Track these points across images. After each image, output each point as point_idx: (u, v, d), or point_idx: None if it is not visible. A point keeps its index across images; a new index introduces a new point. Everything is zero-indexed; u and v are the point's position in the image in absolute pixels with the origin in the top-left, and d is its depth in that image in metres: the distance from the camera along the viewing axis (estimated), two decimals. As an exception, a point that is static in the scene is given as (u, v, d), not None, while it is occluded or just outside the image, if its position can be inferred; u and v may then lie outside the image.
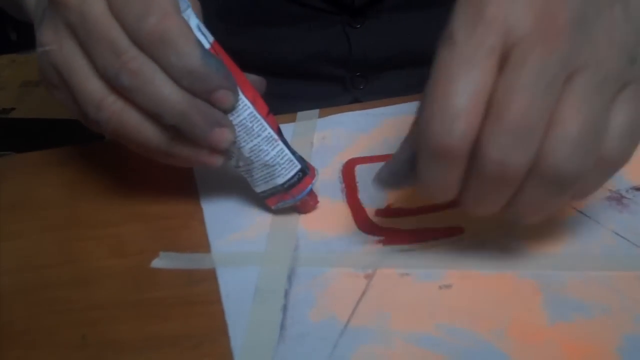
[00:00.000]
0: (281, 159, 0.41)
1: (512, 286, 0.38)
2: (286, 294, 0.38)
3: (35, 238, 0.44)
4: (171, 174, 0.47)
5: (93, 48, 0.37)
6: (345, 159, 0.48)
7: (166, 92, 0.37)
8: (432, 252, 0.40)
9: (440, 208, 0.43)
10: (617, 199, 0.42)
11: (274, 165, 0.41)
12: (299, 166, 0.42)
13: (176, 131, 0.38)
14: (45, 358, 0.37)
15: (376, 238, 0.41)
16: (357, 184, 0.45)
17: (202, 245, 0.42)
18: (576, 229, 0.41)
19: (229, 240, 0.42)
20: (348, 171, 0.47)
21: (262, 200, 0.43)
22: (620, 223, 0.41)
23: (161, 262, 0.41)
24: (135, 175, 0.48)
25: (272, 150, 0.41)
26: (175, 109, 0.37)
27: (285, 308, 0.37)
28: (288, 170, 0.41)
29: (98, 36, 0.36)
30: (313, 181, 0.42)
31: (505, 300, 0.37)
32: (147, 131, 0.38)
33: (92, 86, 0.37)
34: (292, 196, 0.42)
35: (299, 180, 0.42)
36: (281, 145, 0.41)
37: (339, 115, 0.52)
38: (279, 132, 0.41)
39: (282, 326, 0.36)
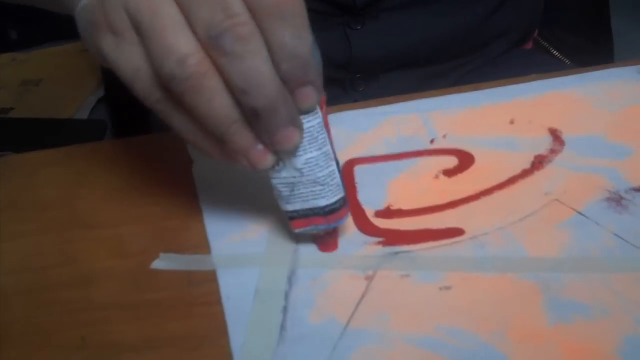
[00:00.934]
0: (331, 179, 0.38)
1: (512, 288, 0.38)
2: (286, 296, 0.38)
3: (35, 238, 0.44)
4: (171, 174, 0.47)
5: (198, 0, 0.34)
6: (344, 159, 0.47)
7: (264, 69, 0.34)
8: (432, 253, 0.40)
9: (441, 209, 0.43)
10: (617, 200, 0.42)
11: (323, 185, 0.38)
12: (343, 193, 0.39)
13: (244, 115, 0.36)
14: (45, 359, 0.37)
15: (376, 239, 0.41)
16: (357, 185, 0.45)
17: (202, 246, 0.42)
18: (576, 231, 0.41)
19: (229, 242, 0.42)
20: (347, 171, 0.46)
21: (279, 215, 0.41)
22: (620, 224, 0.41)
23: (161, 263, 0.41)
24: (135, 176, 0.48)
25: (326, 168, 0.38)
26: (267, 90, 0.34)
27: (285, 309, 0.37)
28: (334, 193, 0.38)
29: None
30: (348, 213, 0.40)
31: (505, 302, 0.37)
32: (219, 104, 0.35)
33: (180, 38, 0.34)
34: (328, 222, 0.39)
35: (340, 207, 0.39)
36: (334, 165, 0.38)
37: (339, 114, 0.52)
38: (334, 152, 0.39)
39: (282, 327, 0.36)
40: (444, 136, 0.49)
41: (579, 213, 0.42)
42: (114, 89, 0.95)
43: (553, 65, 0.80)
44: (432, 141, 0.48)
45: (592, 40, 0.84)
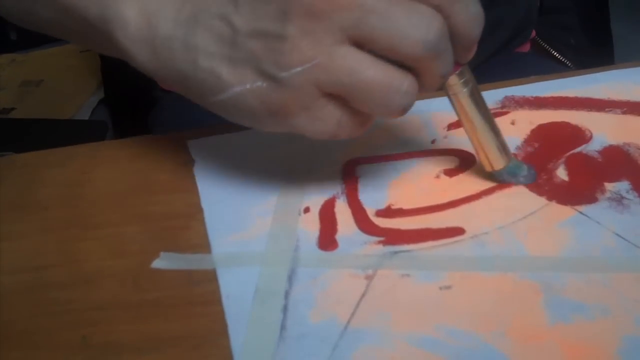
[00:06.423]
0: None
1: (513, 287, 0.38)
2: (286, 295, 0.38)
3: (35, 238, 0.44)
4: (171, 174, 0.47)
5: (397, 31, 0.35)
6: (346, 159, 0.48)
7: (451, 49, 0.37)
8: (433, 252, 0.40)
9: (441, 208, 0.43)
10: (618, 200, 0.42)
11: None
12: None
13: None
14: (45, 358, 0.37)
15: (376, 239, 0.41)
16: (358, 184, 0.45)
17: (203, 245, 0.42)
18: (576, 230, 0.41)
19: (230, 241, 0.42)
20: (349, 171, 0.47)
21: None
22: (621, 224, 0.41)
23: (162, 262, 0.41)
24: (135, 176, 0.48)
25: None
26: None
27: (285, 308, 0.37)
28: None
29: (402, 15, 0.35)
30: None
31: (505, 302, 0.37)
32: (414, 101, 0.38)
33: (388, 75, 0.36)
34: None
35: None
36: None
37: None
38: None
39: (283, 327, 0.36)
40: (445, 137, 0.49)
41: (580, 213, 0.42)
42: (115, 90, 0.96)
43: (552, 67, 0.80)
44: (433, 142, 0.48)
45: (592, 42, 0.85)
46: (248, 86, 0.37)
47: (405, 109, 0.37)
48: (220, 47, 0.37)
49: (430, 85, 0.38)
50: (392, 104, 0.37)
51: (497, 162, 0.43)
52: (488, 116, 0.42)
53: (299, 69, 0.36)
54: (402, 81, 0.36)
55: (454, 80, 0.40)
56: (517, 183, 0.44)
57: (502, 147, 0.43)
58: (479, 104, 0.41)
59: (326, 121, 0.38)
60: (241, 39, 0.37)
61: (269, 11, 0.36)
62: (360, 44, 0.36)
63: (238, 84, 0.37)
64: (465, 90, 0.41)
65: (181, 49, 0.38)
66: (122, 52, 0.41)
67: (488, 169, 0.44)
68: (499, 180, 0.44)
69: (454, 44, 0.37)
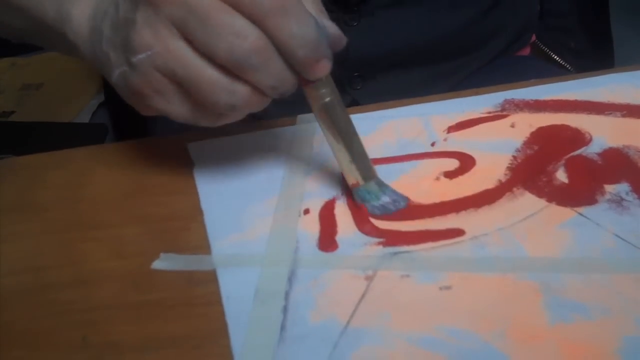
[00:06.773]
0: None
1: (513, 288, 0.38)
2: (286, 295, 0.38)
3: (35, 240, 0.44)
4: (171, 176, 0.47)
5: (211, 36, 0.36)
6: (345, 162, 0.48)
7: (284, 64, 0.38)
8: (433, 253, 0.40)
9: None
10: (617, 201, 0.42)
11: None
12: None
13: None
14: (46, 359, 0.37)
15: (376, 240, 0.41)
16: (358, 186, 0.45)
17: (203, 246, 0.42)
18: (576, 232, 0.41)
19: (229, 242, 0.42)
20: (348, 173, 0.47)
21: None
22: (621, 225, 0.41)
23: (162, 263, 0.41)
24: (135, 177, 0.48)
25: None
26: (292, 81, 0.39)
27: (285, 309, 0.37)
28: None
29: (216, 22, 0.36)
30: None
31: (505, 302, 0.37)
32: (258, 103, 0.39)
33: (215, 74, 0.38)
34: None
35: None
36: None
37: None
38: None
39: (283, 327, 0.36)
40: (445, 139, 0.49)
41: (580, 214, 0.42)
42: (115, 94, 0.95)
43: (552, 71, 0.80)
44: (433, 144, 0.48)
45: (592, 45, 0.85)
46: (121, 69, 0.40)
47: (235, 108, 0.39)
48: (112, 33, 0.40)
49: (266, 93, 0.39)
50: (219, 101, 0.38)
51: (348, 179, 0.43)
52: (346, 134, 0.42)
53: (142, 55, 0.38)
54: (230, 82, 0.38)
55: (309, 93, 0.41)
56: (370, 212, 0.43)
57: (358, 168, 0.43)
58: (336, 120, 0.41)
59: (180, 107, 0.40)
60: (119, 26, 0.39)
61: (133, 0, 0.38)
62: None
63: (118, 66, 0.40)
64: (319, 104, 0.41)
65: (98, 37, 0.42)
66: (72, 47, 0.44)
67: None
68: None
69: (287, 60, 0.38)
